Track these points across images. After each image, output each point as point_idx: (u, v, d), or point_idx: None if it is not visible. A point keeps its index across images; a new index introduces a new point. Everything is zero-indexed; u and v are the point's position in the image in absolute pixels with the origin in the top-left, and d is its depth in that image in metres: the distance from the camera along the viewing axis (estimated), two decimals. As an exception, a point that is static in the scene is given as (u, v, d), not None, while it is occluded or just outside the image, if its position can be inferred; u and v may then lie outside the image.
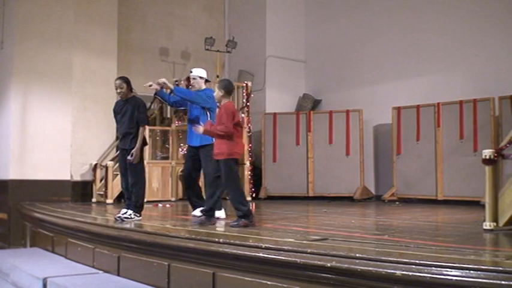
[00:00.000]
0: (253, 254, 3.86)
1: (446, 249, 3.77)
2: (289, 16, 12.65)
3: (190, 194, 6.68)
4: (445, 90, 9.73)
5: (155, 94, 6.49)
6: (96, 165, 9.92)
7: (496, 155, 4.71)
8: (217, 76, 11.28)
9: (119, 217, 5.98)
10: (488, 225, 4.70)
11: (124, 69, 10.26)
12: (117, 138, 7.64)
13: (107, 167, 9.52)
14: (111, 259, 5.39)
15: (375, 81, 11.05)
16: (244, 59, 12.48)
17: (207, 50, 11.45)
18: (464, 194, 8.74)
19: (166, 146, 10.54)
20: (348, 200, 10.21)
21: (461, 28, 9.79)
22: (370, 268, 3.18)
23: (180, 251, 4.53)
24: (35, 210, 7.99)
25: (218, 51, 11.59)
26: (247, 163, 10.72)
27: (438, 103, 9.41)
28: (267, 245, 3.88)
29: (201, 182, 6.78)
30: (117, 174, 9.07)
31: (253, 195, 10.76)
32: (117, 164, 8.41)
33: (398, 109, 9.99)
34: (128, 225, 5.65)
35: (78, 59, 10.09)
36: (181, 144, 10.14)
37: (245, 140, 10.71)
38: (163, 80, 6.43)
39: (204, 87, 6.66)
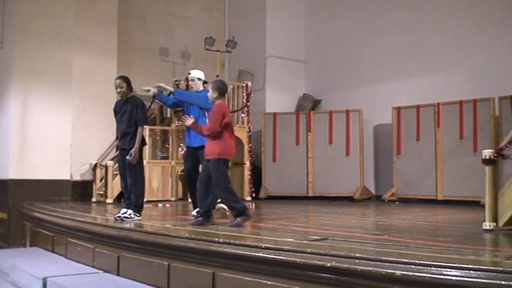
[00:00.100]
0: (253, 253, 3.85)
1: (446, 249, 3.77)
2: (289, 16, 12.66)
3: (193, 194, 6.69)
4: (445, 90, 9.73)
5: (154, 97, 6.50)
6: (96, 165, 9.92)
7: (496, 155, 4.71)
8: (217, 76, 11.28)
9: (119, 217, 5.98)
10: (488, 225, 4.70)
11: (124, 69, 10.25)
12: (117, 138, 7.64)
13: (106, 167, 9.52)
14: (111, 259, 5.39)
15: (374, 81, 11.05)
16: (244, 59, 12.48)
17: (207, 50, 11.45)
18: (464, 194, 8.74)
19: (166, 145, 10.54)
20: (348, 200, 10.22)
21: (461, 28, 9.79)
22: (370, 268, 3.18)
23: (180, 251, 4.53)
24: (35, 210, 7.99)
25: (218, 51, 11.59)
26: (247, 163, 10.72)
27: (438, 103, 9.41)
28: (266, 245, 3.87)
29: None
30: (117, 174, 9.06)
31: (253, 195, 10.76)
32: (117, 164, 8.41)
33: (398, 109, 9.99)
34: (127, 225, 5.65)
35: (78, 59, 10.10)
36: (181, 144, 10.14)
37: (245, 140, 10.74)
38: (162, 84, 6.44)
39: (201, 88, 6.71)
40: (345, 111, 10.71)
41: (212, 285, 4.16)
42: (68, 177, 9.83)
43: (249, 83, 11.00)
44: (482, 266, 2.93)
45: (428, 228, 5.52)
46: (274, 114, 11.25)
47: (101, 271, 5.50)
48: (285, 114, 11.32)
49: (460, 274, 2.88)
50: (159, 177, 10.19)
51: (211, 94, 5.46)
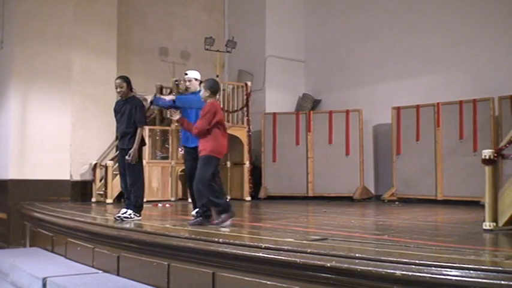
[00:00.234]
0: (253, 253, 3.85)
1: (446, 249, 3.77)
2: (289, 16, 12.65)
3: (193, 194, 6.68)
4: (445, 90, 9.73)
5: (151, 104, 6.50)
6: (95, 165, 9.92)
7: (495, 155, 4.71)
8: (217, 76, 11.28)
9: (119, 217, 5.98)
10: (487, 225, 4.70)
11: (124, 69, 10.26)
12: (116, 137, 7.64)
13: (106, 167, 9.52)
14: (111, 259, 5.38)
15: (374, 81, 11.05)
16: (244, 59, 12.48)
17: (207, 49, 11.45)
18: (464, 194, 8.74)
19: (166, 145, 10.54)
20: (348, 200, 10.21)
21: (461, 28, 9.79)
22: (370, 268, 3.18)
23: (180, 251, 4.53)
24: (35, 210, 7.99)
25: (218, 51, 11.59)
26: (247, 163, 10.72)
27: (438, 103, 9.41)
28: (266, 245, 3.87)
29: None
30: (117, 174, 9.06)
31: (253, 195, 10.75)
32: (117, 164, 8.40)
33: (398, 109, 9.99)
34: (127, 225, 5.65)
35: (78, 59, 10.10)
36: (181, 144, 10.13)
37: (245, 139, 10.74)
38: (164, 96, 6.47)
39: (199, 88, 6.72)
40: (344, 111, 10.71)
41: (212, 285, 4.15)
42: (67, 177, 9.83)
43: (249, 83, 11.01)
44: (482, 266, 2.93)
45: (428, 228, 5.52)
46: (274, 114, 11.25)
47: (100, 271, 5.50)
48: (284, 114, 11.32)
49: (460, 274, 2.88)
50: (159, 177, 10.19)
51: (203, 93, 5.47)
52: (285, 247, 3.78)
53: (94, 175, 9.91)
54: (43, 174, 9.50)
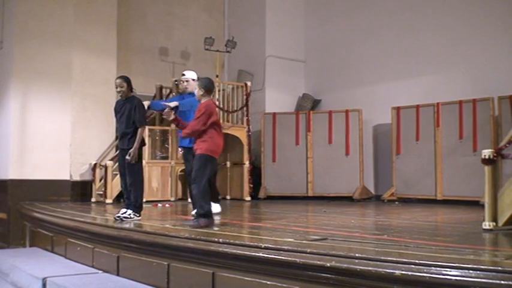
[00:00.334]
0: (253, 253, 3.85)
1: (445, 249, 3.77)
2: (289, 16, 12.66)
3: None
4: (445, 90, 9.73)
5: (148, 109, 6.52)
6: (95, 165, 9.92)
7: (495, 154, 4.71)
8: (217, 76, 11.29)
9: (119, 217, 5.98)
10: (487, 225, 4.70)
11: (124, 69, 10.26)
12: (116, 137, 7.64)
13: (106, 167, 9.51)
14: (111, 259, 5.38)
15: (374, 81, 11.05)
16: (244, 59, 12.48)
17: (207, 50, 11.45)
18: (464, 194, 8.74)
19: (166, 145, 10.54)
20: (348, 199, 10.21)
21: (461, 28, 9.79)
22: (370, 268, 3.18)
23: (180, 251, 4.52)
24: (35, 210, 7.99)
25: (218, 51, 11.59)
26: (247, 163, 10.72)
27: (438, 103, 9.41)
28: (266, 245, 3.87)
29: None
30: (117, 174, 9.06)
31: (253, 195, 10.75)
32: (117, 164, 8.40)
33: (397, 109, 9.99)
34: (127, 225, 5.65)
35: (78, 59, 10.09)
36: (179, 145, 10.13)
37: (245, 139, 10.74)
38: (168, 103, 6.49)
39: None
40: (344, 111, 10.72)
41: (212, 285, 4.15)
42: (67, 177, 9.83)
43: (249, 83, 11.01)
44: (482, 265, 2.93)
45: (427, 228, 5.52)
46: (274, 114, 11.25)
47: (100, 271, 5.50)
48: (284, 114, 11.32)
49: (460, 274, 2.88)
50: (159, 177, 10.18)
51: (197, 92, 5.42)
52: (285, 247, 3.78)
53: (94, 175, 9.91)
54: (43, 174, 9.50)
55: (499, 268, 2.85)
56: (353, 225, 5.76)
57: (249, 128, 10.83)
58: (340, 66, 11.85)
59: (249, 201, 10.47)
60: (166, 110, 5.70)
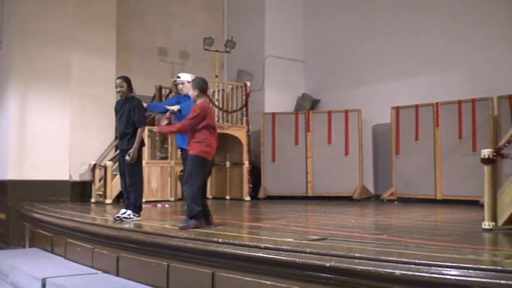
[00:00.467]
0: (252, 253, 3.85)
1: (445, 248, 3.77)
2: (288, 16, 12.65)
3: None
4: (444, 90, 9.73)
5: (145, 111, 6.52)
6: (95, 165, 9.91)
7: (494, 154, 4.71)
8: (216, 76, 11.28)
9: (118, 217, 5.98)
10: (487, 224, 4.70)
11: (123, 69, 10.24)
12: (116, 138, 7.64)
13: (105, 167, 9.51)
14: (110, 259, 5.38)
15: (373, 81, 11.05)
16: (243, 59, 12.48)
17: (206, 50, 11.44)
18: (463, 194, 8.74)
19: (165, 146, 10.53)
20: (347, 199, 10.21)
21: (460, 28, 9.79)
22: (370, 268, 3.18)
23: (179, 251, 4.52)
24: (34, 211, 7.98)
25: (217, 51, 11.58)
26: (246, 163, 10.72)
27: (437, 103, 9.42)
28: (266, 245, 3.87)
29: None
30: (116, 174, 9.06)
31: (253, 195, 10.75)
32: (116, 164, 8.40)
33: (397, 109, 9.99)
34: (127, 226, 5.65)
35: (77, 59, 10.08)
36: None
37: (244, 139, 10.74)
38: (170, 107, 6.48)
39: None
40: (343, 111, 10.72)
41: (211, 285, 4.15)
42: (67, 178, 9.82)
43: (248, 83, 11.01)
44: (482, 265, 2.93)
45: (427, 227, 5.53)
46: (273, 114, 11.25)
47: (100, 271, 5.50)
48: (284, 114, 11.32)
49: (460, 273, 2.88)
50: (158, 178, 10.18)
51: (192, 93, 5.39)
52: (285, 247, 3.78)
53: (93, 175, 9.90)
54: (42, 174, 9.48)
55: (499, 268, 2.86)
56: (353, 225, 5.76)
57: (248, 128, 10.83)
58: (339, 66, 11.85)
59: (248, 201, 10.47)
60: (169, 113, 5.69)
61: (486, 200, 4.72)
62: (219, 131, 10.14)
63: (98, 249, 5.67)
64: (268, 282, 3.74)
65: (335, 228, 5.19)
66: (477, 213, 5.90)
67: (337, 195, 10.44)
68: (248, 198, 10.60)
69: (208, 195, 10.63)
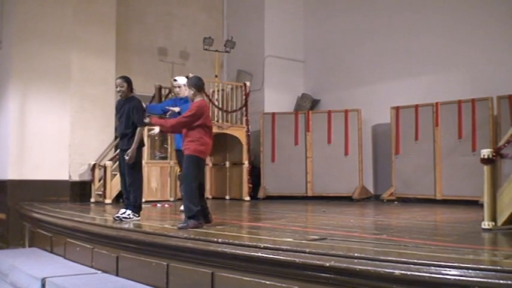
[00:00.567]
0: (252, 253, 3.85)
1: (445, 248, 3.77)
2: (288, 16, 12.65)
3: None
4: (444, 89, 9.74)
5: (144, 112, 6.54)
6: (94, 165, 9.91)
7: (494, 154, 4.71)
8: (216, 76, 11.28)
9: (118, 217, 5.98)
10: (486, 224, 4.71)
11: (123, 70, 10.24)
12: (116, 138, 7.64)
13: (105, 167, 9.51)
14: (110, 259, 5.38)
15: (373, 81, 11.05)
16: (243, 59, 12.48)
17: (206, 49, 11.44)
18: (463, 194, 8.75)
19: (165, 146, 10.53)
20: (347, 199, 10.21)
21: (459, 28, 9.80)
22: (369, 268, 3.18)
23: (179, 251, 4.52)
24: (34, 211, 7.98)
25: (217, 51, 11.58)
26: (246, 163, 10.72)
27: (437, 103, 9.42)
28: (265, 245, 3.87)
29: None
30: (116, 174, 9.07)
31: (252, 195, 10.75)
32: (116, 164, 8.41)
33: (396, 109, 10.00)
34: (126, 225, 5.65)
35: (77, 59, 10.09)
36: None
37: (244, 139, 10.74)
38: (170, 108, 6.48)
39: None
40: (343, 111, 10.72)
41: (211, 285, 4.15)
42: (66, 178, 9.82)
43: (248, 83, 11.01)
44: (481, 265, 2.93)
45: (427, 227, 5.53)
46: (273, 114, 11.25)
47: (99, 271, 5.50)
48: (283, 114, 11.32)
49: (459, 273, 2.88)
50: (158, 178, 10.18)
51: (188, 92, 5.38)
52: (284, 247, 3.78)
53: (93, 175, 9.90)
54: (42, 174, 9.49)
55: (498, 268, 2.86)
56: (352, 225, 5.76)
57: (248, 128, 10.83)
58: (339, 66, 11.85)
59: (248, 201, 10.47)
60: (169, 113, 5.70)
61: (486, 200, 4.72)
62: (219, 131, 10.28)
63: (98, 249, 5.67)
64: (267, 282, 3.74)
65: (334, 228, 5.19)
66: (477, 213, 5.90)
67: (336, 195, 10.44)
68: (248, 198, 10.60)
69: (208, 195, 10.64)
